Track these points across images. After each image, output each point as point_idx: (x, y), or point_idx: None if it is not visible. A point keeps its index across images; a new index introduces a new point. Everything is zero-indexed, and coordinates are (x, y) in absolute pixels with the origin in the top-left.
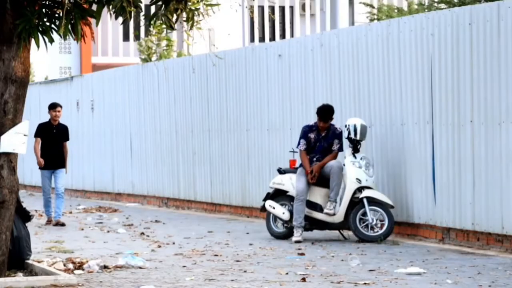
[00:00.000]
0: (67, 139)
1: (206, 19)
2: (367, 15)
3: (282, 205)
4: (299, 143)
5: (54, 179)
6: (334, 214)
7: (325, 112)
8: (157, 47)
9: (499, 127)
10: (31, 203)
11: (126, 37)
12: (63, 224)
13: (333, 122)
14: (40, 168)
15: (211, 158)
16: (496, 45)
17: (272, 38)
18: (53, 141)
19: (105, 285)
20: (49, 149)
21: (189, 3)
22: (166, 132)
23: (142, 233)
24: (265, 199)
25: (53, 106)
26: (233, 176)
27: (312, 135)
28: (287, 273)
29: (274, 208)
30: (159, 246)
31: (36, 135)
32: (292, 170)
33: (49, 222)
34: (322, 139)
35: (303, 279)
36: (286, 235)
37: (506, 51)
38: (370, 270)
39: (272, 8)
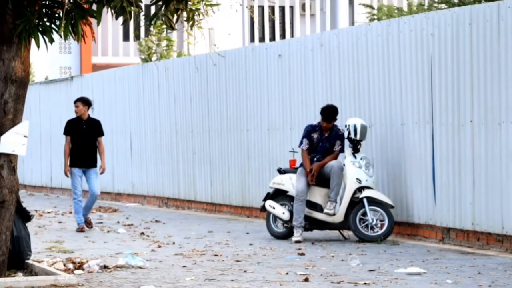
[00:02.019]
0: (101, 134)
1: (206, 19)
2: (367, 15)
3: (282, 205)
4: (301, 142)
5: (87, 180)
6: (334, 214)
7: (329, 112)
8: (157, 47)
9: (499, 127)
10: (31, 203)
11: (126, 37)
12: (91, 224)
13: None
14: (70, 165)
15: (211, 158)
16: (496, 45)
17: (272, 38)
18: (83, 138)
19: (105, 285)
20: (79, 146)
21: (190, 3)
22: (166, 132)
23: (142, 233)
24: (265, 199)
25: (74, 101)
26: (233, 176)
27: (315, 135)
28: (287, 273)
29: (274, 208)
30: (159, 246)
31: (65, 133)
32: (292, 170)
33: (81, 230)
34: (324, 140)
35: (306, 279)
36: (286, 235)
37: (506, 51)
38: (370, 270)
39: (272, 8)
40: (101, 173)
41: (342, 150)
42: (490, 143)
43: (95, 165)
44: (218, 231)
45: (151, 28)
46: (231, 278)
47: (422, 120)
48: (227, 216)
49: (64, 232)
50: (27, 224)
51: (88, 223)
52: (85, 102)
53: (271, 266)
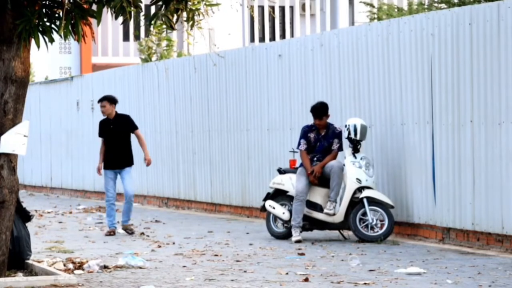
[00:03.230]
0: (134, 128)
1: (206, 19)
2: (367, 14)
3: (282, 205)
4: (299, 144)
5: (121, 181)
6: (334, 214)
7: (318, 109)
8: (157, 47)
9: (499, 127)
10: (31, 203)
11: (126, 37)
12: (132, 232)
13: (333, 122)
14: (104, 168)
15: (211, 158)
16: (496, 45)
17: (272, 38)
18: (113, 137)
19: (105, 285)
20: (110, 147)
21: (190, 3)
22: (166, 132)
23: (142, 233)
24: (265, 199)
25: (99, 100)
26: (233, 176)
27: (312, 135)
28: (287, 273)
29: (274, 208)
30: (159, 246)
31: (99, 135)
32: (292, 170)
33: (110, 233)
34: (322, 139)
35: (306, 279)
36: (286, 235)
37: (506, 51)
38: (370, 270)
39: (272, 8)
40: (147, 164)
41: (340, 148)
42: (490, 143)
43: (129, 164)
44: (218, 231)
45: (151, 28)
46: (231, 278)
47: (422, 120)
48: (227, 216)
49: (64, 232)
50: (27, 224)
51: (129, 230)
52: (111, 100)
53: (271, 266)
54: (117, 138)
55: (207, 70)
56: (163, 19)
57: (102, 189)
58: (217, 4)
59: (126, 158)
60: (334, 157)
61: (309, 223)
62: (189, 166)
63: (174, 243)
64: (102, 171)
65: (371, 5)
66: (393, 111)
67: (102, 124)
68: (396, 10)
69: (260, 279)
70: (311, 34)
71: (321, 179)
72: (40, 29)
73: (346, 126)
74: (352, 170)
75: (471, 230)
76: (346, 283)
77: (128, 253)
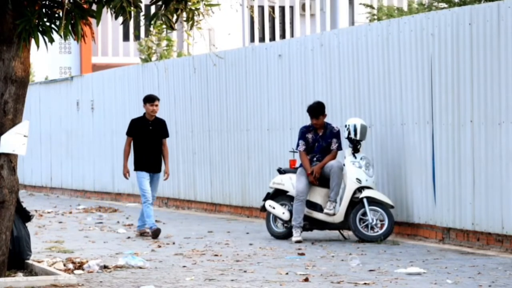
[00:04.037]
0: (166, 135)
1: (206, 19)
2: (367, 15)
3: (282, 205)
4: (298, 145)
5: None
6: (334, 214)
7: (314, 108)
8: (157, 47)
9: (499, 127)
10: (31, 203)
11: (126, 37)
12: (157, 235)
13: (333, 122)
14: (135, 169)
15: (211, 158)
16: (496, 45)
17: (272, 38)
18: (149, 139)
19: (105, 285)
20: (145, 149)
21: (189, 3)
22: None
23: (142, 233)
24: (265, 199)
25: (150, 99)
26: (233, 176)
27: (310, 135)
28: (287, 273)
29: (274, 208)
30: (159, 246)
31: (128, 133)
32: (292, 170)
33: (143, 233)
34: (320, 139)
35: (306, 279)
36: (286, 235)
37: (506, 51)
38: (370, 270)
39: (272, 8)
40: (165, 179)
41: (339, 147)
42: (490, 143)
43: (160, 170)
44: (218, 231)
45: (151, 28)
46: (231, 278)
47: (422, 120)
48: (227, 216)
49: (64, 232)
50: (27, 224)
51: (145, 232)
52: (159, 100)
53: (271, 266)
54: (153, 141)
55: (207, 70)
56: (163, 19)
57: (102, 189)
58: (216, 5)
59: (159, 163)
60: (334, 157)
61: (309, 223)
62: (189, 166)
63: (174, 243)
64: (133, 173)
65: (371, 6)
66: (393, 111)
67: (138, 123)
68: (396, 10)
69: (260, 279)
70: (311, 34)
71: (321, 179)
72: (40, 29)
73: (346, 126)
74: (352, 170)
75: (471, 230)
76: (346, 283)
77: (128, 253)
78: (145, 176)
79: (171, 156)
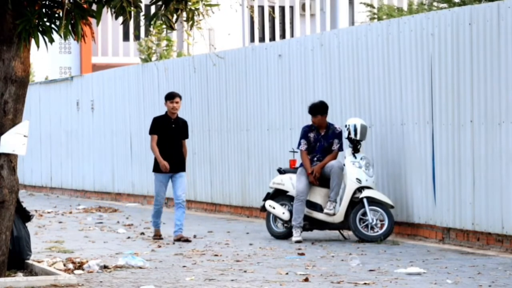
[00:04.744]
0: (186, 136)
1: (206, 19)
2: (367, 14)
3: (282, 205)
4: (299, 144)
5: (172, 184)
6: (334, 214)
7: (312, 107)
8: (157, 47)
9: (499, 127)
10: (31, 203)
11: (126, 37)
12: (188, 240)
13: (333, 122)
14: (153, 170)
15: (211, 158)
16: (496, 45)
17: (272, 38)
18: (171, 139)
19: (105, 285)
20: (167, 148)
21: (189, 3)
22: None
23: (142, 233)
24: (265, 199)
25: (171, 97)
26: (233, 176)
27: (311, 135)
28: (287, 273)
29: (274, 208)
30: (159, 246)
31: (152, 132)
32: (292, 170)
33: (157, 236)
34: (322, 139)
35: (306, 279)
36: (286, 235)
37: (506, 51)
38: (370, 270)
39: (272, 8)
40: None
41: (341, 148)
42: (490, 143)
43: (183, 169)
44: (218, 231)
45: (151, 28)
46: (231, 278)
47: (422, 120)
48: (227, 216)
49: (64, 232)
50: (27, 224)
51: (186, 241)
52: (181, 97)
53: (271, 266)
54: (175, 140)
55: (207, 70)
56: (163, 19)
57: (102, 189)
58: (216, 5)
59: (181, 162)
60: (334, 157)
61: (309, 223)
62: (189, 166)
63: (174, 243)
64: (167, 165)
65: (371, 6)
66: (393, 111)
67: (161, 121)
68: (396, 10)
69: (260, 279)
70: (311, 34)
71: (321, 179)
72: (40, 29)
73: (346, 126)
74: (352, 170)
75: (471, 230)
76: (346, 283)
77: (128, 253)
78: (162, 180)
79: None
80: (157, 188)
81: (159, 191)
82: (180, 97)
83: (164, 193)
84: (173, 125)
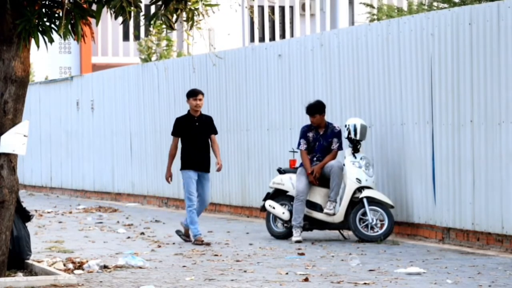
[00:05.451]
0: (215, 132)
1: (205, 19)
2: (367, 15)
3: (282, 205)
4: (299, 144)
5: (198, 185)
6: (334, 214)
7: (309, 107)
8: (157, 47)
9: (499, 127)
10: (31, 203)
11: (126, 37)
12: (208, 244)
13: (333, 122)
14: (181, 168)
15: (211, 158)
16: (496, 45)
17: (272, 38)
18: (195, 138)
19: (105, 285)
20: (191, 148)
21: (189, 3)
22: (166, 132)
23: (142, 233)
24: (265, 199)
25: (193, 93)
26: (233, 176)
27: (311, 134)
28: (287, 273)
29: (274, 208)
30: (159, 246)
31: (174, 133)
32: (292, 170)
33: (199, 242)
34: (321, 138)
35: (306, 279)
36: (286, 235)
37: (506, 51)
38: (370, 270)
39: (272, 8)
40: (218, 169)
41: (340, 147)
42: (490, 143)
43: (209, 170)
44: (218, 231)
45: (151, 28)
46: (231, 278)
47: (422, 120)
48: (227, 216)
49: (64, 232)
50: (27, 224)
51: (206, 244)
52: (203, 94)
53: (271, 266)
54: (201, 138)
55: (207, 70)
56: (163, 19)
57: (102, 189)
58: (215, 5)
59: (208, 161)
60: (334, 157)
61: (309, 223)
62: None
63: (174, 243)
64: (170, 178)
65: (371, 6)
66: (393, 111)
67: (183, 121)
68: (396, 11)
69: (260, 279)
70: (311, 34)
71: (321, 179)
72: (40, 29)
73: (346, 126)
74: (352, 170)
75: (471, 230)
76: (346, 283)
77: (128, 253)
78: (192, 175)
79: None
80: (188, 186)
81: (191, 189)
82: (203, 94)
83: (196, 191)
84: (197, 123)
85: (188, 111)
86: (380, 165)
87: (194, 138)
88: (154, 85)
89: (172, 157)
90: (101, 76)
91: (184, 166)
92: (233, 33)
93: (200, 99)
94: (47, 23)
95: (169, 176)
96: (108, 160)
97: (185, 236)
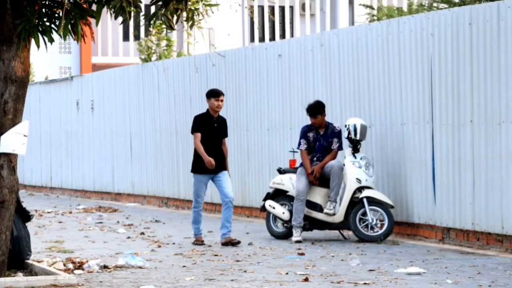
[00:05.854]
0: (226, 134)
1: (205, 19)
2: (366, 16)
3: (282, 205)
4: (299, 144)
5: (217, 185)
6: (334, 214)
7: (310, 107)
8: (157, 47)
9: (499, 127)
10: (31, 203)
11: (126, 37)
12: (237, 243)
13: (333, 122)
14: (193, 171)
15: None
16: (496, 45)
17: (272, 38)
18: (212, 138)
19: (105, 285)
20: (209, 147)
21: (189, 3)
22: (166, 132)
23: (142, 233)
24: (265, 199)
25: (215, 94)
26: (233, 176)
27: (311, 134)
28: (287, 273)
29: (274, 208)
30: (159, 246)
31: (196, 130)
32: (292, 170)
33: (199, 242)
34: (321, 138)
35: (306, 279)
36: (286, 235)
37: (506, 51)
38: (370, 270)
39: (272, 8)
40: None
41: (340, 147)
42: (490, 143)
43: (225, 167)
44: (218, 231)
45: (151, 28)
46: (231, 278)
47: (422, 120)
48: None
49: (64, 232)
50: (27, 224)
51: (232, 242)
52: (224, 95)
53: (271, 266)
54: (217, 139)
55: (207, 70)
56: (163, 19)
57: (102, 189)
58: (216, 5)
59: (222, 161)
60: (334, 157)
61: (309, 223)
62: (189, 166)
63: (174, 243)
64: (213, 162)
65: (371, 7)
66: (393, 111)
67: (202, 119)
68: (396, 11)
69: (260, 279)
70: (311, 34)
71: (321, 179)
72: (40, 29)
73: (346, 126)
74: (352, 170)
75: (471, 230)
76: (346, 283)
77: (128, 253)
78: (202, 180)
79: (171, 156)
80: (197, 190)
81: (199, 192)
82: (223, 94)
83: (204, 195)
84: (215, 124)
85: (207, 110)
86: (380, 165)
87: (211, 138)
88: (154, 85)
89: (202, 148)
90: (101, 76)
91: (196, 170)
92: (233, 33)
93: (221, 100)
94: (47, 23)
95: (209, 160)
96: (108, 160)
97: (198, 242)
